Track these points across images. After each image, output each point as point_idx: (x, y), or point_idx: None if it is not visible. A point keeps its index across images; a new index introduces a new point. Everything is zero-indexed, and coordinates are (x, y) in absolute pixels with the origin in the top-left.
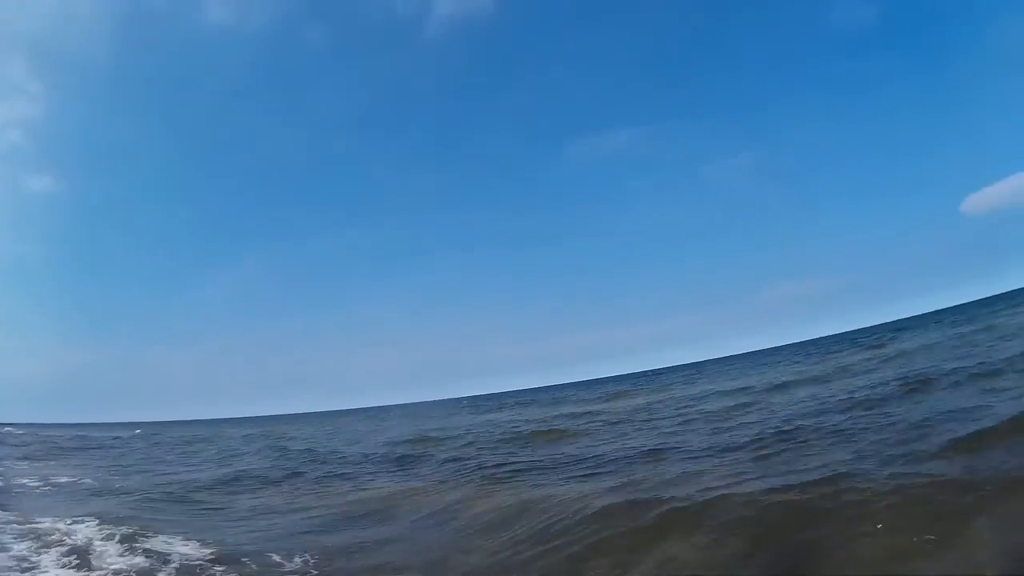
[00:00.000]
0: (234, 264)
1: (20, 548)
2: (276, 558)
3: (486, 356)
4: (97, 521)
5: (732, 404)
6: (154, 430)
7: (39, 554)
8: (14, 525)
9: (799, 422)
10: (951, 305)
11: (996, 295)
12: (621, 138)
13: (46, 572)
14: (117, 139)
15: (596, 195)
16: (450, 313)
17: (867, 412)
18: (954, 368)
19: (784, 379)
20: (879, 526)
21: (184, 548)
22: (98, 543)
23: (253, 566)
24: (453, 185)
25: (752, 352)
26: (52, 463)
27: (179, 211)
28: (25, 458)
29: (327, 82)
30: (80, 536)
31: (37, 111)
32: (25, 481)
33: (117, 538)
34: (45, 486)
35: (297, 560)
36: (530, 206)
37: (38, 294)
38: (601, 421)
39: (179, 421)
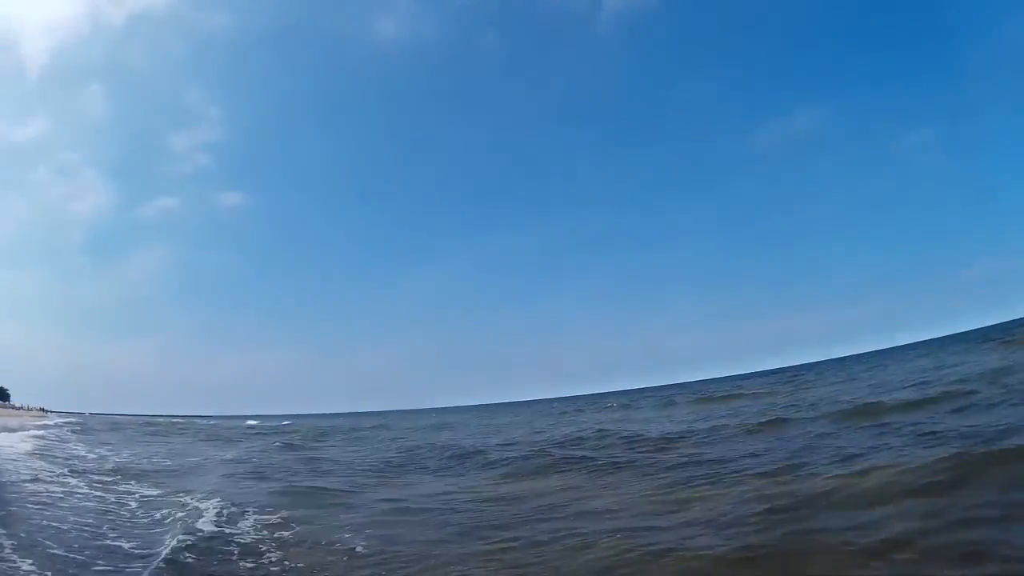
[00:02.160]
0: (438, 262)
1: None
2: None
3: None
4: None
5: None
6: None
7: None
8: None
9: None
10: None
11: None
12: (805, 119)
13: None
14: (302, 154)
15: (783, 179)
16: (644, 304)
17: None
18: None
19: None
20: None
21: None
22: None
23: None
24: (644, 177)
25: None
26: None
27: (379, 216)
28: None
29: (507, 84)
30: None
31: (219, 134)
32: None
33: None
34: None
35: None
36: (718, 191)
37: (243, 301)
38: None
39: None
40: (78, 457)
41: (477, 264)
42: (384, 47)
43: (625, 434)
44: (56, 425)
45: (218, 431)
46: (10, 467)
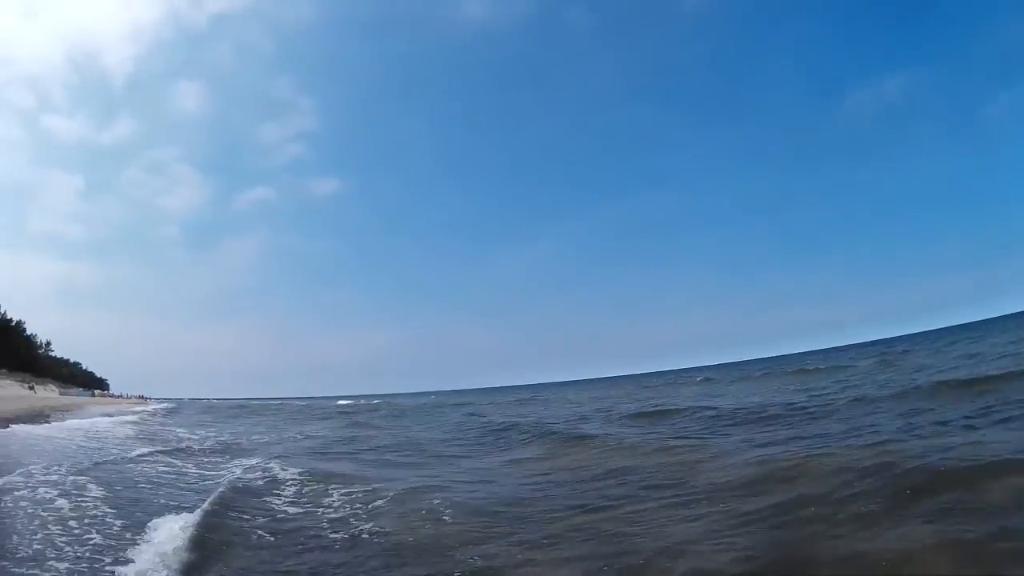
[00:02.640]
0: (532, 240)
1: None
2: None
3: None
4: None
5: None
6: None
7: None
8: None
9: None
10: None
11: None
12: (896, 83)
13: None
14: (393, 138)
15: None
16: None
17: None
18: None
19: None
20: None
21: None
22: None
23: None
24: (732, 148)
25: None
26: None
27: (470, 196)
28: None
29: (593, 61)
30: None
31: (311, 123)
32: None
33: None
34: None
35: None
36: (808, 163)
37: (341, 284)
38: None
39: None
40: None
41: (568, 243)
42: (470, 27)
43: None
44: (152, 412)
45: (308, 410)
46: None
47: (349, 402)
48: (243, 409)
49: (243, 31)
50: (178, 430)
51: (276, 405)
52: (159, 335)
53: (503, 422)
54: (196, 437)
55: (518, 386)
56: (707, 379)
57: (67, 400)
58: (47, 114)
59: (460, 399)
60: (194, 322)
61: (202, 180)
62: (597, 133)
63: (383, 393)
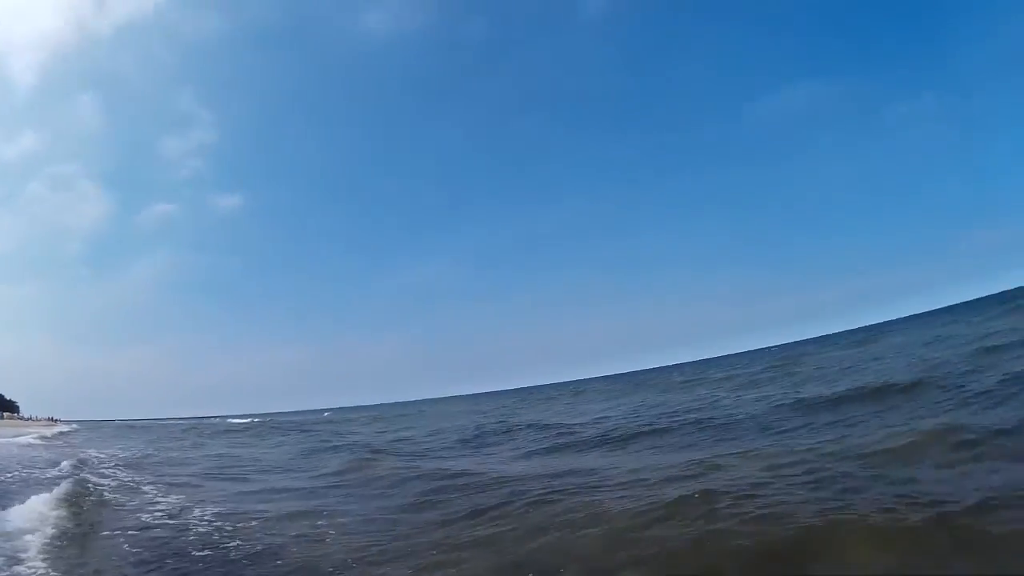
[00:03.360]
0: (430, 253)
1: None
2: None
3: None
4: None
5: None
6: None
7: None
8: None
9: None
10: None
11: None
12: (798, 93)
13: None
14: (292, 151)
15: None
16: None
17: None
18: None
19: None
20: None
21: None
22: None
23: None
24: (635, 157)
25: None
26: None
27: (363, 212)
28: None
29: (493, 73)
30: None
31: (212, 136)
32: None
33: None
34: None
35: None
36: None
37: (238, 301)
38: None
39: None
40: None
41: (467, 255)
42: (369, 39)
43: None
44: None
45: (193, 430)
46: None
47: (243, 421)
48: (138, 428)
49: (147, 40)
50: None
51: (173, 423)
52: (68, 355)
53: (339, 444)
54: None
55: (413, 401)
56: (577, 393)
57: None
58: None
59: (346, 415)
60: (104, 343)
61: (105, 196)
62: (493, 144)
63: (283, 411)
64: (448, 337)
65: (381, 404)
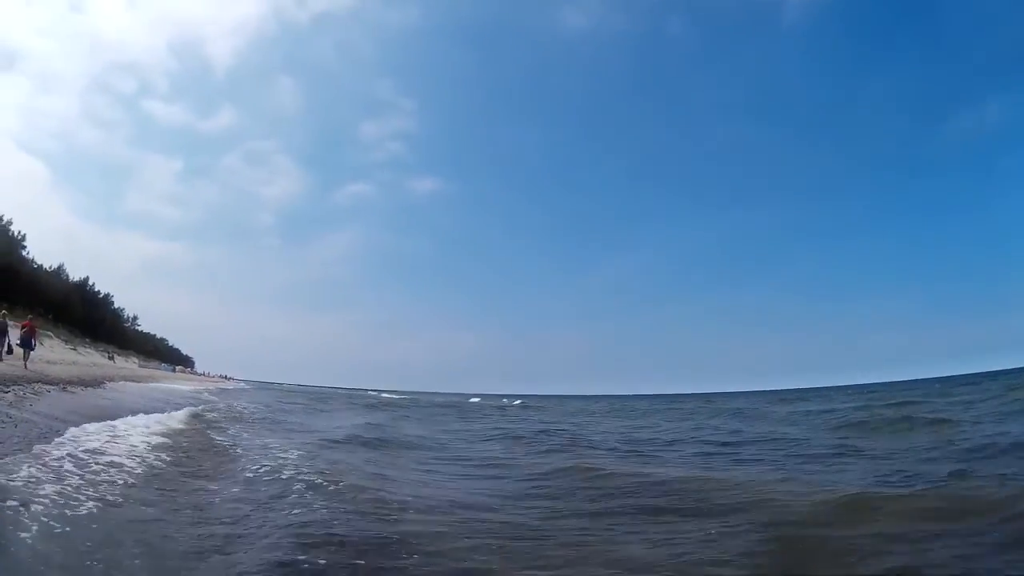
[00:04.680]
0: (631, 249)
1: None
2: None
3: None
4: None
5: None
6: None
7: None
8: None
9: None
10: None
11: None
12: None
13: None
14: (491, 142)
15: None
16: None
17: None
18: None
19: None
20: None
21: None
22: None
23: None
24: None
25: None
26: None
27: (559, 205)
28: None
29: (696, 73)
30: None
31: (411, 124)
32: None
33: None
34: None
35: None
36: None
37: (424, 282)
38: None
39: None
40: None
41: (664, 255)
42: (571, 37)
43: None
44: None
45: (347, 400)
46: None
47: (391, 395)
48: (315, 395)
49: (345, 32)
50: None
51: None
52: (249, 320)
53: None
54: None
55: (607, 395)
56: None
57: (143, 372)
58: (148, 99)
59: (538, 403)
60: (284, 310)
61: (301, 172)
62: (700, 145)
63: (464, 392)
64: (635, 334)
65: (570, 395)
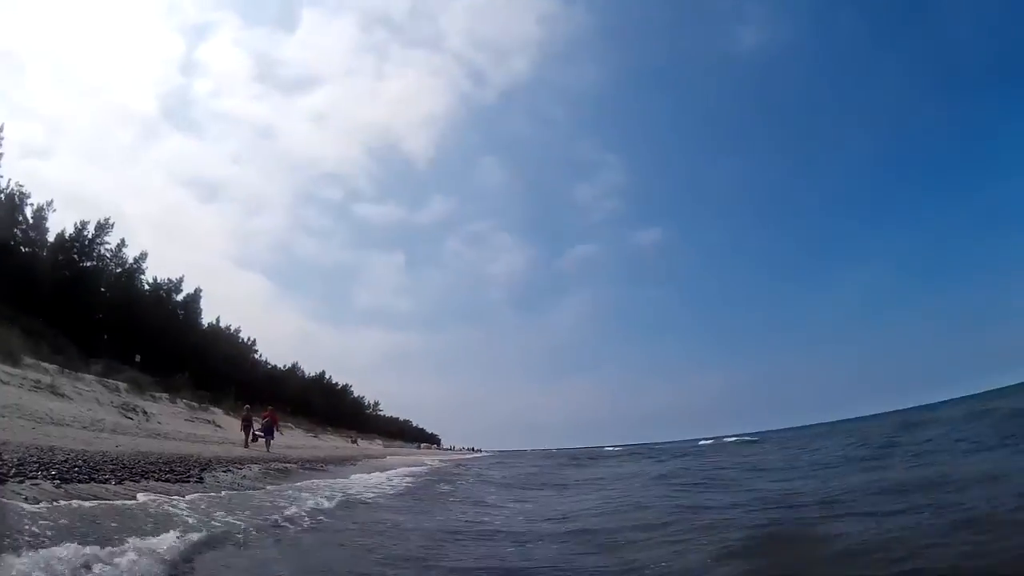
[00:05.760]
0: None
1: None
2: None
3: None
4: None
5: None
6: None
7: None
8: None
9: None
10: None
11: None
12: None
13: None
14: (701, 179)
15: None
16: None
17: None
18: None
19: None
20: None
21: None
22: None
23: None
24: None
25: None
26: None
27: (783, 230)
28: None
29: (878, 62)
30: None
31: (620, 177)
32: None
33: None
34: None
35: None
36: None
37: (681, 330)
38: None
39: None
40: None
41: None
42: (749, 56)
43: None
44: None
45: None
46: None
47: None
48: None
49: (533, 100)
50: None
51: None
52: (493, 393)
53: None
54: None
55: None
56: None
57: (385, 450)
58: (357, 203)
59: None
60: (527, 379)
61: (522, 244)
62: (903, 139)
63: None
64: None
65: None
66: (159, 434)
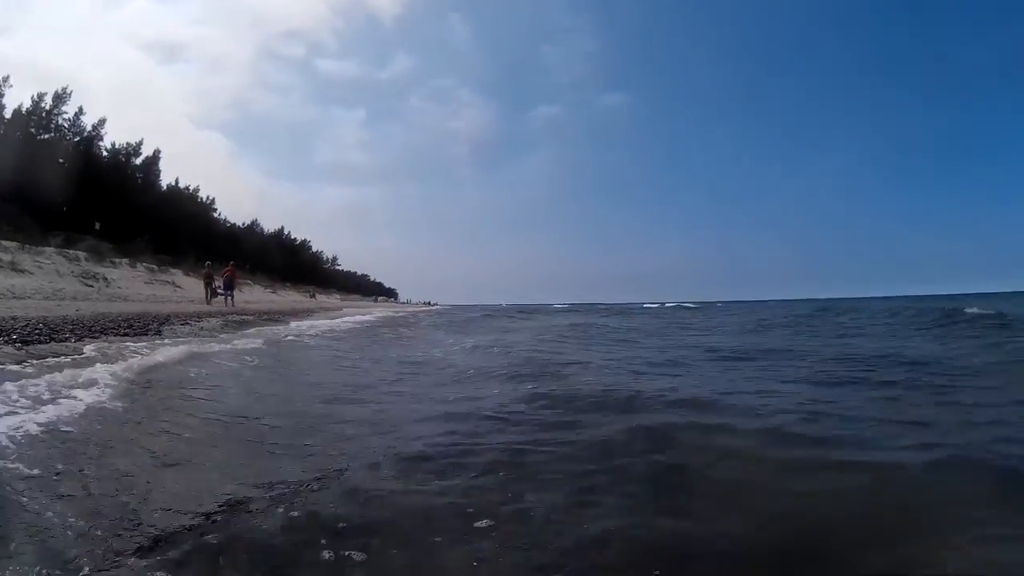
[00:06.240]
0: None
1: None
2: None
3: None
4: None
5: None
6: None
7: None
8: None
9: None
10: None
11: None
12: None
13: None
14: (670, 51)
15: None
16: None
17: None
18: None
19: None
20: None
21: None
22: None
23: None
24: None
25: None
26: None
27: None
28: None
29: None
30: None
31: (596, 44)
32: None
33: None
34: None
35: None
36: None
37: (639, 195)
38: None
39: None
40: None
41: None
42: None
43: None
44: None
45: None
46: None
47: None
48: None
49: None
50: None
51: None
52: (452, 248)
53: None
54: None
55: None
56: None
57: (342, 303)
58: (320, 59)
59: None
60: (486, 235)
61: (486, 102)
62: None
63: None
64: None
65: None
66: (119, 298)
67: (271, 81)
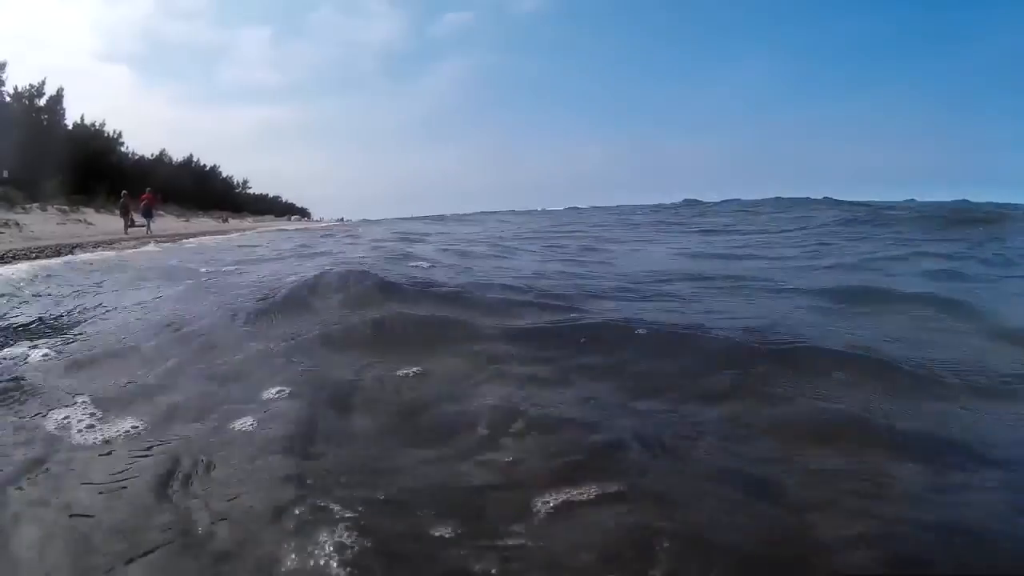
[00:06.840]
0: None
1: None
2: None
3: None
4: None
5: None
6: None
7: None
8: None
9: None
10: None
11: None
12: None
13: None
14: None
15: None
16: None
17: None
18: None
19: None
20: None
21: None
22: None
23: None
24: None
25: None
26: None
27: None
28: None
29: None
30: None
31: None
32: None
33: None
34: None
35: None
36: None
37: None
38: None
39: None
40: None
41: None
42: None
43: None
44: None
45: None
46: None
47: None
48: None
49: None
50: None
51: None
52: (367, 163)
53: None
54: None
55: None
56: None
57: (255, 225)
58: None
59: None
60: (400, 147)
61: (396, 12)
62: None
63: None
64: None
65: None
66: (33, 239)
67: (176, 7)
